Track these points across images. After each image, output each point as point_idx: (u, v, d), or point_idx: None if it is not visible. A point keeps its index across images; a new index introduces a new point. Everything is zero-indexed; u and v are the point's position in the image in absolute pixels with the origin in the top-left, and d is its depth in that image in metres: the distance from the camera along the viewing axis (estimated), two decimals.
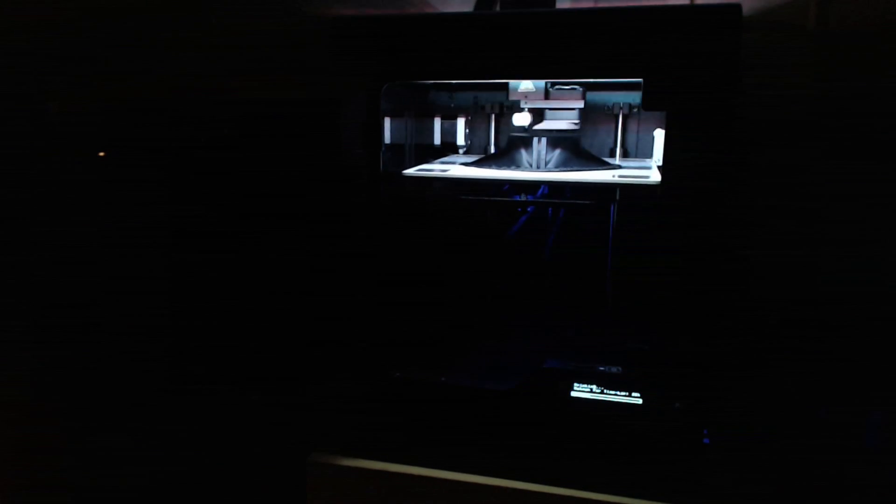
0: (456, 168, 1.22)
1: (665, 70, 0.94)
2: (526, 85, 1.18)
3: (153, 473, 1.42)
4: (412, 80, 1.24)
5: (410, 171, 1.20)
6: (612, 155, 1.31)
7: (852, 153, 1.16)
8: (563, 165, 1.19)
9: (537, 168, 1.19)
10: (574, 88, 1.18)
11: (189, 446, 1.43)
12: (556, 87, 1.18)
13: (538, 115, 1.24)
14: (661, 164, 1.09)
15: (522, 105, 1.20)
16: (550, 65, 1.01)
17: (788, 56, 1.18)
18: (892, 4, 1.14)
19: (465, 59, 1.03)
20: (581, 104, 1.19)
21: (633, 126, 1.29)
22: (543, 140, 1.19)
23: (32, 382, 1.42)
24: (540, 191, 1.28)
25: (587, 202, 1.20)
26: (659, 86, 0.95)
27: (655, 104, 0.97)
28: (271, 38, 1.38)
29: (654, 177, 1.09)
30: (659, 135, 1.20)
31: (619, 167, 1.21)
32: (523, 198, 1.29)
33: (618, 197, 1.16)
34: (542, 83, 1.17)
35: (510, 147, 1.24)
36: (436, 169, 1.21)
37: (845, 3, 1.17)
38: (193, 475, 1.41)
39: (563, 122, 1.22)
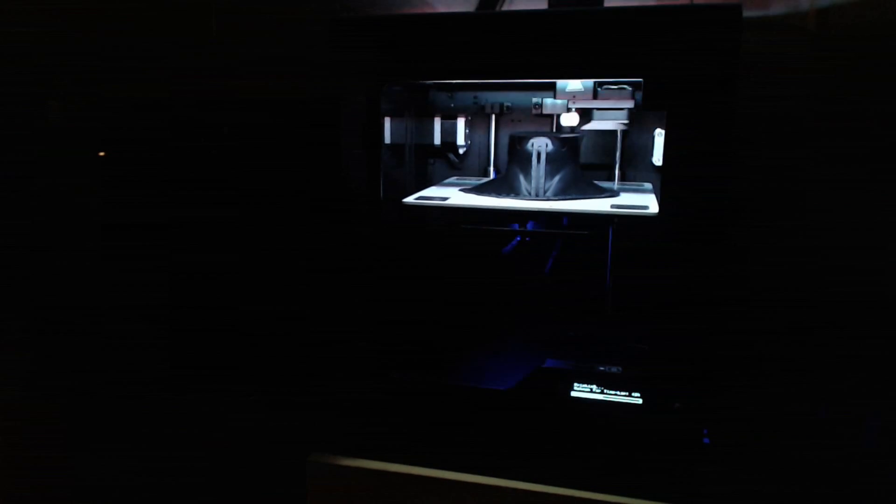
0: (455, 195, 1.22)
1: (665, 70, 0.94)
2: (574, 86, 1.17)
3: (153, 473, 1.42)
4: (412, 80, 1.24)
5: (410, 200, 1.20)
6: (611, 177, 1.31)
7: (852, 154, 1.16)
8: (562, 193, 1.19)
9: (536, 196, 1.19)
10: (623, 88, 1.17)
11: (189, 446, 1.43)
12: (605, 87, 1.17)
13: (586, 115, 1.23)
14: (660, 163, 1.09)
15: (570, 105, 1.20)
16: (550, 64, 1.01)
17: (788, 56, 1.18)
18: (892, 4, 1.14)
19: (465, 59, 1.03)
20: (631, 104, 1.17)
21: (632, 126, 1.29)
22: (542, 167, 1.19)
23: (31, 383, 1.42)
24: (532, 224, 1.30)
25: (585, 233, 1.20)
26: (659, 86, 0.95)
27: (655, 104, 0.97)
28: (271, 38, 1.38)
29: (652, 206, 1.09)
30: (659, 135, 1.20)
31: (617, 194, 1.21)
32: (521, 228, 1.30)
33: (615, 225, 1.17)
34: (590, 83, 1.17)
35: (510, 171, 1.24)
36: (435, 197, 1.21)
37: (845, 4, 1.17)
38: (193, 475, 1.41)
39: (611, 123, 1.21)
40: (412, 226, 1.28)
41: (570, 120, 1.24)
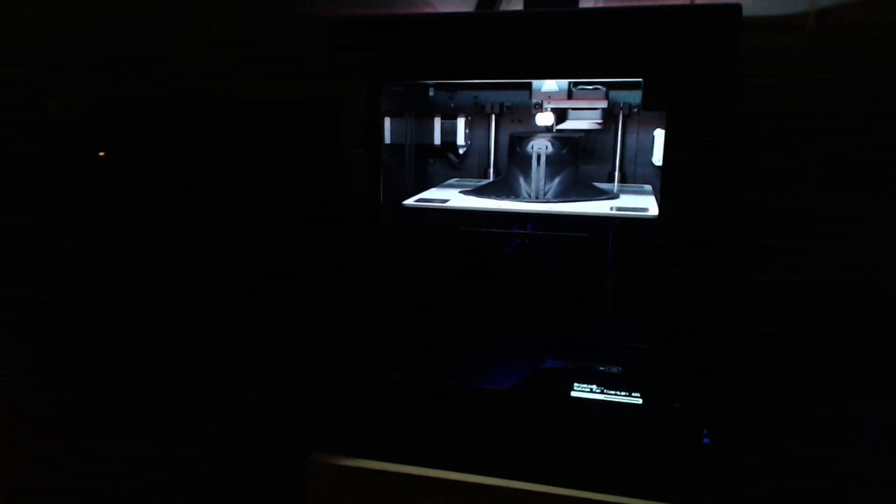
0: (455, 197, 1.22)
1: (665, 70, 0.94)
2: (549, 86, 1.18)
3: (153, 473, 1.42)
4: (412, 80, 1.24)
5: (410, 202, 1.20)
6: (611, 179, 1.31)
7: (852, 154, 1.16)
8: (562, 196, 1.19)
9: (536, 198, 1.19)
10: (597, 88, 1.18)
11: (189, 446, 1.43)
12: (580, 87, 1.18)
13: (561, 115, 1.24)
14: (660, 164, 1.09)
15: (546, 106, 1.21)
16: (550, 65, 1.01)
17: (788, 56, 1.18)
18: (892, 4, 1.14)
19: (464, 59, 1.03)
20: (604, 104, 1.19)
21: (633, 126, 1.29)
22: (542, 169, 1.19)
23: (31, 382, 1.42)
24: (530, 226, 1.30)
25: (585, 235, 1.20)
26: (659, 86, 0.95)
27: (655, 104, 0.97)
28: (271, 38, 1.38)
29: (652, 208, 1.09)
30: (659, 135, 1.20)
31: (618, 196, 1.21)
32: (521, 230, 1.30)
33: (616, 227, 1.17)
34: (565, 83, 1.18)
35: (510, 173, 1.24)
36: (435, 199, 1.21)
37: (845, 3, 1.17)
38: (193, 475, 1.41)
39: (585, 122, 1.22)
40: (412, 227, 1.28)
41: (545, 120, 1.24)
